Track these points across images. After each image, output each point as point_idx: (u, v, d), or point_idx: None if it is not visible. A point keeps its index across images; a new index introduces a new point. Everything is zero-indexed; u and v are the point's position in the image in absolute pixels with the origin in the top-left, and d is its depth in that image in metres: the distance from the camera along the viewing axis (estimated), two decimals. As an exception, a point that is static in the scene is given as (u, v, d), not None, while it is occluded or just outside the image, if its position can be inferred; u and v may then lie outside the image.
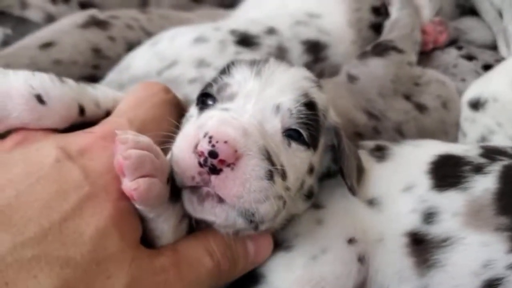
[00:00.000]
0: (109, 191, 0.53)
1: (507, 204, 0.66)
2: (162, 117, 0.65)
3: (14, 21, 1.18)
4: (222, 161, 0.52)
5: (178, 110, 0.70)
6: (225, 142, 0.52)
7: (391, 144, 0.79)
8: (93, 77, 0.99)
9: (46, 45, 1.00)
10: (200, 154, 0.52)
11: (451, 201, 0.68)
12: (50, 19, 1.19)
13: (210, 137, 0.52)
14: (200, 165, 0.52)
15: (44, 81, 0.58)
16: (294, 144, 0.62)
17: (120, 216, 0.52)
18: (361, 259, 0.67)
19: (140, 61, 0.97)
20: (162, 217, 0.56)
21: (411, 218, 0.69)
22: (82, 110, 0.62)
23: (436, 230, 0.67)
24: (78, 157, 0.54)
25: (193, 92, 0.89)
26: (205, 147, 0.52)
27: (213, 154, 0.52)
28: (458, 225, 0.67)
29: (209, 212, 0.55)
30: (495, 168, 0.70)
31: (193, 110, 0.67)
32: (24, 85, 0.57)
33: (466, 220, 0.67)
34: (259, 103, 0.60)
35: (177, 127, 0.65)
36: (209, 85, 0.65)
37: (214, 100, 0.64)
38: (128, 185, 0.51)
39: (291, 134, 0.62)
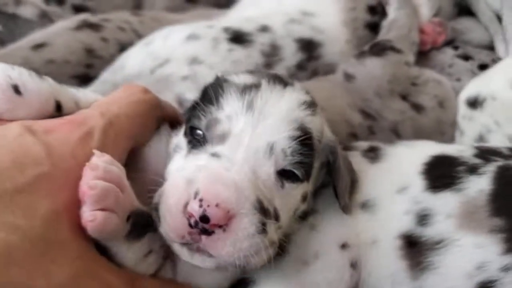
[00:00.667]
0: (69, 177, 0.52)
1: (501, 205, 0.65)
2: (136, 114, 0.64)
3: (5, 18, 1.19)
4: (214, 225, 0.51)
5: (157, 110, 0.68)
6: (217, 205, 0.50)
7: (385, 145, 0.78)
8: (86, 76, 1.00)
9: (39, 46, 1.00)
10: (191, 215, 0.51)
11: (445, 202, 0.67)
12: (44, 16, 1.20)
13: (201, 200, 0.51)
14: (191, 226, 0.51)
15: (22, 74, 0.58)
16: (287, 184, 0.60)
17: (74, 209, 0.51)
18: (354, 264, 0.66)
19: (134, 60, 0.97)
20: (116, 249, 0.54)
21: (405, 220, 0.68)
22: (59, 106, 0.61)
23: (430, 232, 0.66)
24: (42, 134, 0.53)
25: (186, 89, 0.90)
26: (196, 210, 0.50)
27: (204, 218, 0.50)
28: (452, 226, 0.66)
29: (200, 262, 0.55)
30: (490, 169, 0.69)
31: (181, 141, 0.63)
32: (2, 75, 0.57)
33: (460, 222, 0.66)
34: (251, 146, 0.57)
35: (154, 126, 0.65)
36: (197, 117, 0.61)
37: (203, 136, 0.60)
38: (85, 215, 0.50)
39: (285, 174, 0.60)
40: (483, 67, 1.08)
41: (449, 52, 1.14)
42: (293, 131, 0.59)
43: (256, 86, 0.61)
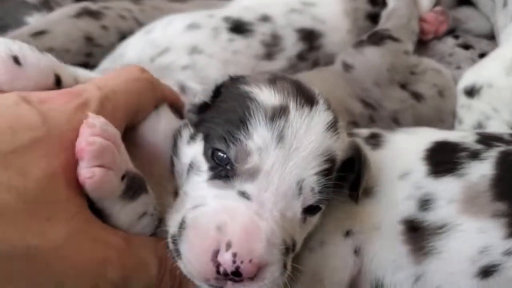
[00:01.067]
0: (64, 141, 0.52)
1: (503, 190, 0.66)
2: (132, 91, 0.63)
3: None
4: (242, 278, 0.51)
5: (154, 89, 0.68)
6: (250, 260, 0.50)
7: (386, 132, 0.78)
8: (86, 65, 0.98)
9: (39, 33, 0.99)
10: (220, 265, 0.51)
11: (447, 188, 0.68)
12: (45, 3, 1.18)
13: (235, 255, 0.50)
14: (218, 273, 0.51)
15: (23, 47, 0.59)
16: (309, 218, 0.60)
17: (71, 169, 0.51)
18: (357, 251, 0.67)
19: (134, 48, 0.96)
20: (111, 210, 0.54)
21: (406, 205, 0.68)
22: (58, 80, 0.61)
23: (432, 217, 0.67)
24: (38, 104, 0.53)
25: (186, 78, 0.89)
26: (228, 265, 0.50)
27: (236, 274, 0.50)
28: (454, 211, 0.66)
29: None
30: (492, 154, 0.69)
31: (200, 162, 0.60)
32: (3, 47, 0.57)
33: (462, 207, 0.66)
34: (282, 186, 0.56)
35: (151, 105, 0.65)
36: (222, 140, 0.57)
37: (229, 164, 0.57)
38: (83, 172, 0.50)
39: (308, 209, 0.59)
40: (483, 56, 1.08)
41: (449, 41, 1.14)
42: (322, 165, 0.58)
43: (284, 111, 0.58)
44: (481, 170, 0.68)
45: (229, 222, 0.52)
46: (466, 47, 1.12)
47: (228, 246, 0.51)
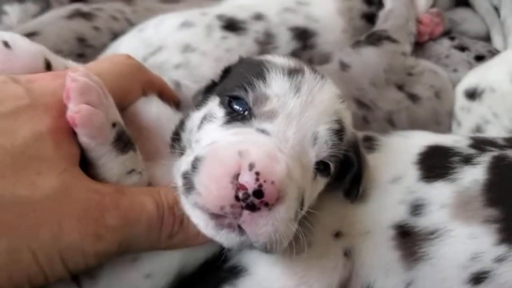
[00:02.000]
0: (49, 108, 0.54)
1: (495, 195, 0.65)
2: (118, 73, 0.65)
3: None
4: (263, 201, 0.49)
5: (140, 74, 0.70)
6: (273, 182, 0.49)
7: (380, 135, 0.77)
8: (78, 66, 0.98)
9: (30, 35, 0.98)
10: (241, 188, 0.49)
11: (439, 193, 0.67)
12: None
13: (258, 173, 0.49)
14: (237, 198, 0.49)
15: (14, 34, 0.62)
16: (319, 177, 0.61)
17: (57, 131, 0.53)
18: (347, 253, 0.66)
19: (126, 48, 0.96)
20: (104, 159, 0.56)
21: (398, 210, 0.67)
22: (48, 65, 0.63)
23: (423, 222, 0.66)
24: (25, 83, 0.55)
25: (179, 77, 0.89)
26: (251, 183, 0.48)
27: (258, 193, 0.48)
28: (446, 217, 0.65)
29: (222, 238, 0.53)
30: (485, 159, 0.69)
31: (215, 109, 0.61)
32: None
33: (454, 212, 0.65)
34: (300, 131, 0.57)
35: (138, 90, 0.67)
36: (241, 87, 0.59)
37: (247, 109, 0.59)
38: (71, 109, 0.52)
39: (319, 167, 0.60)
40: (479, 58, 1.08)
41: (445, 43, 1.13)
42: (334, 124, 0.60)
43: (300, 71, 0.61)
44: (474, 175, 0.67)
45: (251, 148, 0.51)
46: (462, 48, 1.11)
47: (251, 166, 0.49)
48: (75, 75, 0.54)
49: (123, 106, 0.65)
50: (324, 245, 0.66)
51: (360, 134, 0.77)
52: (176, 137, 0.65)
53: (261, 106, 0.58)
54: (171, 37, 0.94)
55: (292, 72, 0.61)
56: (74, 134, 0.54)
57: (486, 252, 0.63)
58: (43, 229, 0.48)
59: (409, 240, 0.66)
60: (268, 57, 0.65)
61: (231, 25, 0.98)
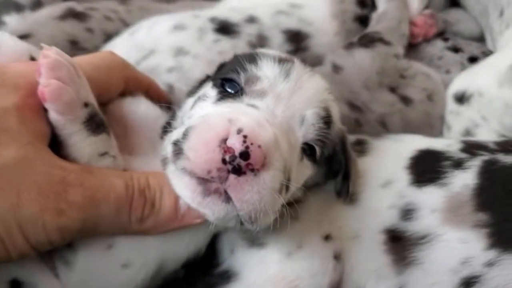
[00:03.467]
0: (18, 88, 0.54)
1: (486, 200, 0.65)
2: (99, 65, 0.66)
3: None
4: (249, 165, 0.50)
5: (123, 69, 0.70)
6: (259, 146, 0.50)
7: (372, 139, 0.77)
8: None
9: (23, 37, 0.97)
10: (228, 151, 0.50)
11: (430, 197, 0.67)
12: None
13: (245, 136, 0.50)
14: (224, 161, 0.50)
15: (1, 32, 0.63)
16: (305, 159, 0.62)
17: (24, 107, 0.53)
18: (337, 257, 0.66)
19: (119, 51, 0.94)
20: (75, 139, 0.56)
21: (389, 214, 0.67)
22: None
23: (414, 227, 0.66)
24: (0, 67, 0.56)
25: (173, 80, 0.89)
26: (237, 146, 0.50)
27: (244, 155, 0.50)
28: (437, 221, 0.66)
29: (208, 207, 0.53)
30: (475, 163, 0.69)
31: (208, 90, 0.63)
32: None
33: (444, 217, 0.66)
34: (288, 110, 0.59)
35: (119, 84, 0.67)
36: (234, 70, 0.62)
37: (238, 90, 0.61)
38: (41, 83, 0.53)
39: (305, 149, 0.62)
40: (472, 59, 1.08)
41: (439, 44, 1.13)
42: (321, 110, 0.62)
43: (290, 61, 0.64)
44: (464, 180, 0.67)
45: (240, 117, 0.53)
46: (456, 50, 1.11)
47: (239, 131, 0.51)
48: (48, 52, 0.54)
49: (103, 99, 0.66)
50: (314, 248, 0.66)
51: (352, 138, 0.78)
52: (168, 127, 0.65)
53: (252, 85, 0.60)
54: (164, 40, 0.94)
55: (283, 60, 0.63)
56: (44, 113, 0.54)
57: (476, 256, 0.63)
58: (1, 199, 0.48)
59: (400, 244, 0.66)
60: (261, 50, 0.68)
61: (224, 28, 0.97)
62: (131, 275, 0.60)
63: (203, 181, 0.52)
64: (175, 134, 0.56)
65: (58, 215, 0.50)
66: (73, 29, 1.01)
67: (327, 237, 0.67)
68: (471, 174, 0.67)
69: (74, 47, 1.00)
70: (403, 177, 0.69)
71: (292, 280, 0.63)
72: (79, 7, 1.05)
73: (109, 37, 1.03)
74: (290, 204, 0.65)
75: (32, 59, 0.62)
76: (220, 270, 0.66)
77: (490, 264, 0.62)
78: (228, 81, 0.62)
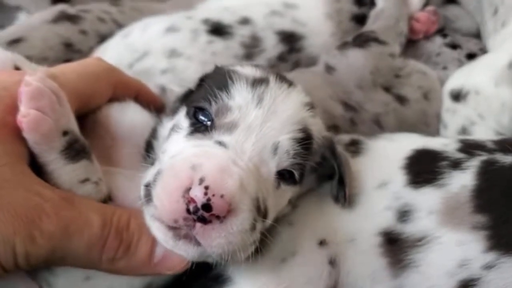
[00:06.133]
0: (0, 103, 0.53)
1: (484, 201, 0.64)
2: (83, 73, 0.64)
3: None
4: (213, 214, 0.50)
5: (110, 75, 0.69)
6: (222, 196, 0.50)
7: (367, 139, 0.76)
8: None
9: (15, 41, 0.97)
10: (191, 201, 0.50)
11: (427, 198, 0.66)
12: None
13: (207, 187, 0.50)
14: (188, 211, 0.50)
15: None
16: (283, 185, 0.61)
17: (5, 127, 0.52)
18: (332, 262, 0.65)
19: (112, 53, 0.95)
20: (52, 166, 0.55)
21: (385, 216, 0.66)
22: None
23: (411, 229, 0.65)
24: None
25: (166, 82, 0.88)
26: (199, 197, 0.50)
27: (206, 207, 0.50)
28: (434, 223, 0.64)
29: (181, 249, 0.54)
30: (474, 164, 0.67)
31: (182, 120, 0.63)
32: None
33: (442, 218, 0.64)
34: (259, 142, 0.58)
35: (107, 91, 0.66)
36: (206, 99, 0.61)
37: (210, 120, 0.60)
38: (20, 113, 0.52)
39: (282, 174, 0.61)
40: (470, 56, 1.07)
41: (437, 41, 1.12)
42: (297, 133, 0.60)
43: (265, 81, 0.62)
44: (462, 181, 0.66)
45: (204, 162, 0.53)
46: (454, 46, 1.10)
47: (201, 180, 0.51)
48: (30, 79, 0.53)
49: (90, 107, 0.64)
50: (309, 253, 0.65)
51: (346, 138, 0.77)
52: (149, 145, 0.65)
53: (222, 117, 0.59)
54: (157, 42, 0.94)
55: (256, 83, 0.62)
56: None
57: (474, 259, 0.61)
58: None
59: (396, 247, 0.65)
60: (237, 68, 0.66)
61: (217, 29, 0.97)
62: None
63: (172, 227, 0.53)
64: (148, 175, 0.57)
65: (29, 241, 0.50)
66: (66, 32, 1.01)
67: (321, 242, 0.65)
68: (469, 175, 0.66)
69: (69, 49, 1.00)
70: (399, 178, 0.68)
71: (286, 286, 0.62)
72: (71, 10, 1.05)
73: (103, 38, 1.03)
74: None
75: (17, 68, 0.61)
76: (214, 273, 0.65)
77: (488, 266, 0.61)
78: (200, 109, 0.61)
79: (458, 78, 0.96)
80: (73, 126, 0.57)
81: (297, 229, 0.66)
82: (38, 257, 0.51)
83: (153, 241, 0.57)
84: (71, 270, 0.57)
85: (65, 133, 0.55)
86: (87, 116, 0.66)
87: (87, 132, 0.62)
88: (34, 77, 0.54)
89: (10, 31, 1.00)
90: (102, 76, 0.67)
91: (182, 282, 0.65)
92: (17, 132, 0.53)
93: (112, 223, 0.55)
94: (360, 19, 1.09)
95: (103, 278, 0.59)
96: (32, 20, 1.03)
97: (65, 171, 0.55)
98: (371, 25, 1.05)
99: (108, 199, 0.60)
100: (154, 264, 0.58)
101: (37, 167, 0.55)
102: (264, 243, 0.61)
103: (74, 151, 0.56)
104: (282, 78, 0.65)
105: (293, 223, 0.67)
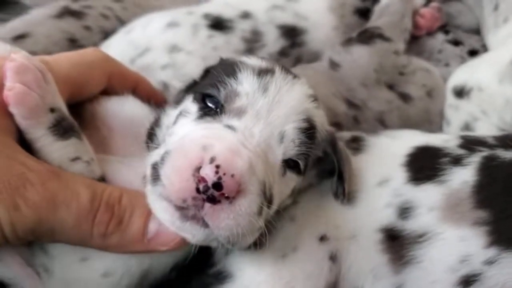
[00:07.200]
0: None
1: (485, 197, 0.64)
2: (77, 61, 0.64)
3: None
4: (223, 194, 0.50)
5: (105, 64, 0.69)
6: (232, 175, 0.50)
7: (368, 136, 0.76)
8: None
9: (20, 37, 0.97)
10: (202, 180, 0.50)
11: (427, 195, 0.66)
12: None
13: (218, 166, 0.50)
14: (198, 191, 0.50)
15: None
16: (288, 173, 0.62)
17: None
18: (333, 257, 0.65)
19: (115, 50, 0.95)
20: (41, 143, 0.55)
21: (386, 213, 0.66)
22: None
23: (412, 225, 0.65)
24: None
25: (167, 78, 0.88)
26: (210, 176, 0.49)
27: (217, 186, 0.49)
28: (435, 219, 0.64)
29: (188, 231, 0.54)
30: (475, 160, 0.67)
31: (189, 105, 0.63)
32: None
33: (443, 214, 0.64)
34: (266, 129, 0.58)
35: (101, 80, 0.67)
36: (214, 86, 0.61)
37: (218, 106, 0.60)
38: (6, 86, 0.52)
39: (288, 163, 0.61)
40: (472, 53, 1.07)
41: (440, 37, 1.11)
42: (302, 123, 0.61)
43: (270, 72, 0.63)
44: (463, 176, 0.66)
45: (215, 143, 0.52)
46: (456, 43, 1.09)
47: (212, 160, 0.50)
48: (15, 56, 0.54)
49: (84, 95, 0.64)
50: (310, 249, 0.65)
51: (347, 135, 0.77)
52: (152, 132, 0.65)
53: (232, 102, 0.60)
54: (158, 38, 0.94)
55: (262, 72, 0.62)
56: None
57: (475, 254, 0.62)
58: None
59: (397, 243, 0.65)
60: (243, 58, 0.67)
61: (218, 24, 0.97)
62: (114, 282, 0.60)
63: (180, 207, 0.52)
64: (155, 156, 0.56)
65: (13, 209, 0.49)
66: (70, 27, 1.01)
67: (322, 238, 0.66)
68: (470, 171, 0.66)
69: (73, 45, 1.00)
70: (400, 174, 0.68)
71: (287, 281, 0.63)
72: (74, 6, 1.05)
73: (106, 34, 1.03)
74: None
75: None
76: (215, 270, 0.65)
77: (489, 262, 0.61)
78: (208, 96, 0.62)
79: (462, 75, 0.96)
80: (60, 104, 0.57)
81: (299, 225, 0.66)
82: (24, 228, 0.50)
83: (146, 217, 0.56)
84: (67, 251, 0.57)
85: (52, 110, 0.55)
86: (85, 108, 0.66)
87: (84, 124, 0.62)
88: (19, 54, 0.54)
89: (14, 26, 1.00)
90: (96, 65, 0.66)
91: (182, 280, 0.66)
92: (4, 109, 0.53)
93: (103, 197, 0.55)
94: (364, 13, 1.08)
95: (99, 259, 0.59)
96: (34, 15, 1.03)
97: (55, 148, 0.55)
98: (375, 21, 1.03)
99: (102, 181, 0.59)
100: (148, 241, 0.57)
101: (28, 149, 0.54)
102: (266, 236, 0.60)
103: (63, 128, 0.56)
104: (287, 70, 0.66)
105: (294, 219, 0.67)
